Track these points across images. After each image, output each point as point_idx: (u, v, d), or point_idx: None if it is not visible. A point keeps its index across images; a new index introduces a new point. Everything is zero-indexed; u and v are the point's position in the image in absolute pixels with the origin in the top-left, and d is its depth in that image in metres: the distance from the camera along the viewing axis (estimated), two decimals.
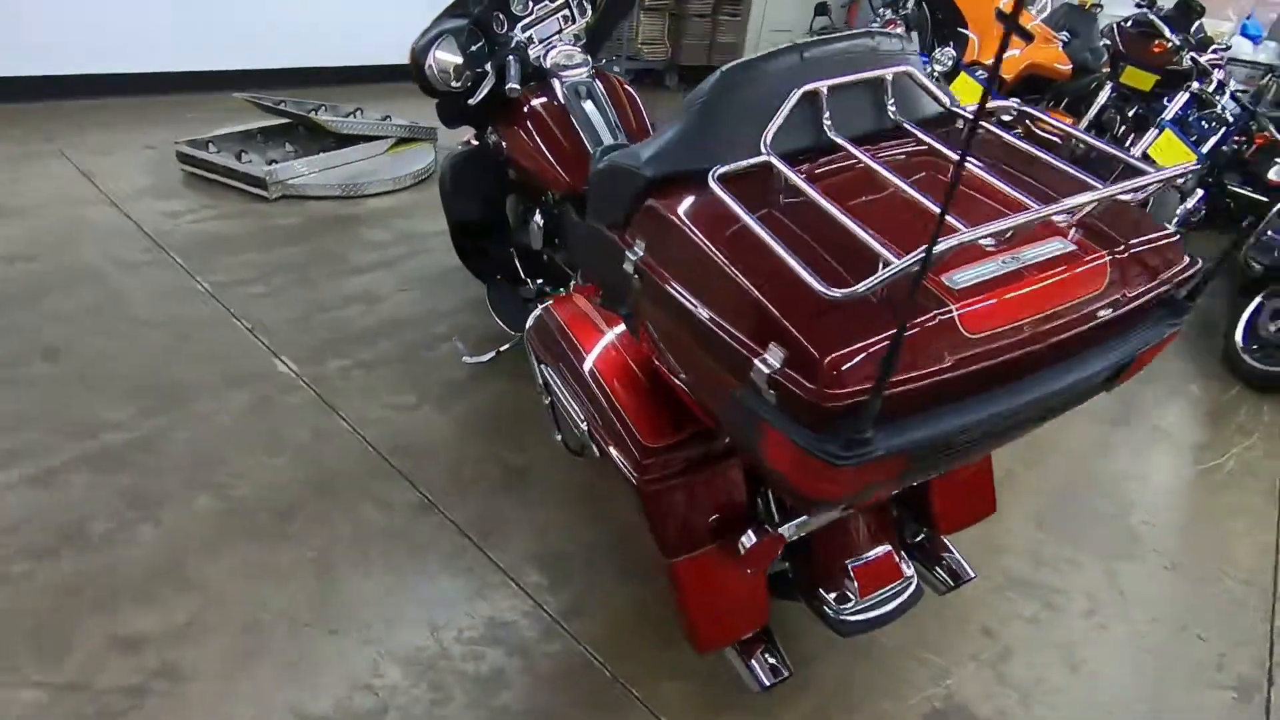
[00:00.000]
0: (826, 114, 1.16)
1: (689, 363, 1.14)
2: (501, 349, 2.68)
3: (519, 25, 2.27)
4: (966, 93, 3.95)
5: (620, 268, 1.22)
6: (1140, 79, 4.29)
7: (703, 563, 1.39)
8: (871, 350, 0.88)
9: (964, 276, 0.96)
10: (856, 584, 1.45)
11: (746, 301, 0.96)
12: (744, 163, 1.10)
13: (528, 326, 1.79)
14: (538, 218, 2.35)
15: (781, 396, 0.90)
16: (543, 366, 1.82)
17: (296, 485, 2.08)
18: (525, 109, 2.22)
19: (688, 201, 1.13)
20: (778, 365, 0.90)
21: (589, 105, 2.20)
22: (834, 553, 1.47)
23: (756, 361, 0.91)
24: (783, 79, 1.16)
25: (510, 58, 2.18)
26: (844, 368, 0.87)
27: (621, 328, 1.54)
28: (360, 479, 2.14)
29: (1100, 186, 1.02)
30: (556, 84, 2.21)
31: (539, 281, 2.58)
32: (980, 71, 4.18)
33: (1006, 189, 1.03)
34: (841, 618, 1.45)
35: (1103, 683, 1.84)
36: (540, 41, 2.28)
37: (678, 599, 1.41)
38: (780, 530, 1.35)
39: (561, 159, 2.14)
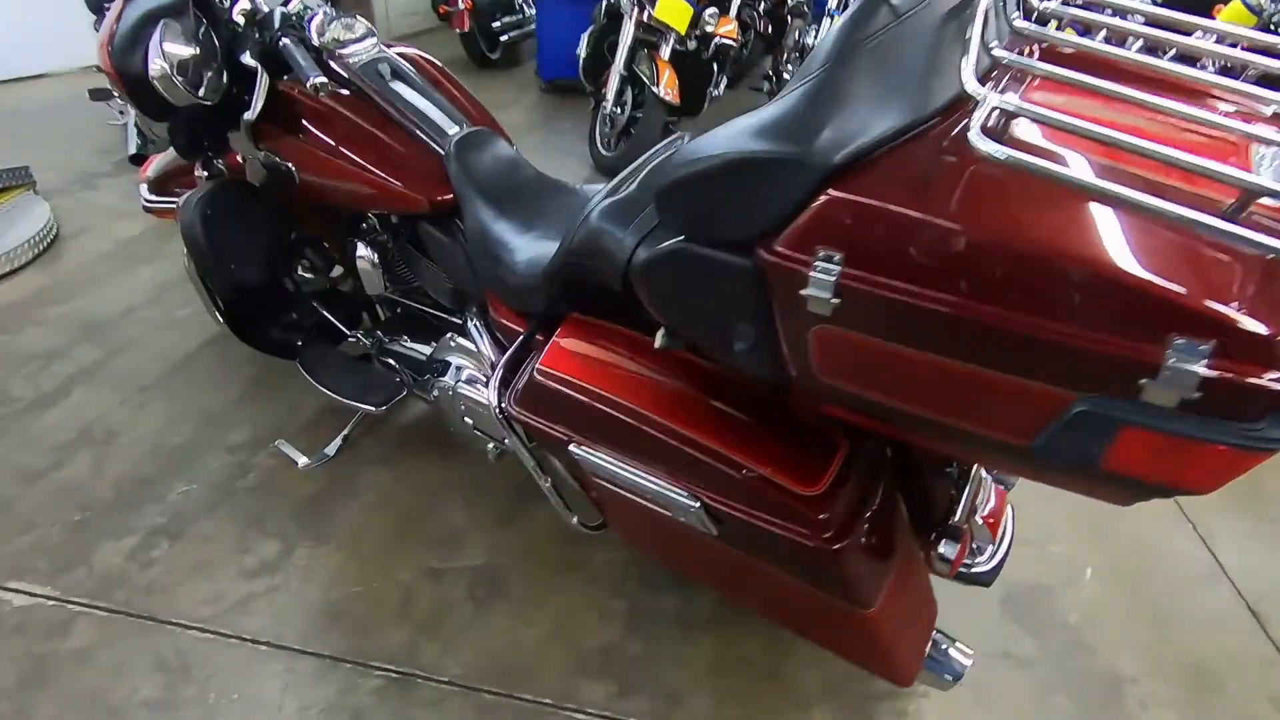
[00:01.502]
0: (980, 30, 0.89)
1: (949, 394, 0.85)
2: (348, 431, 2.03)
3: None
4: None
5: (786, 297, 0.86)
6: None
7: (893, 596, 1.16)
8: None
9: None
10: (989, 532, 1.36)
11: (1109, 288, 0.71)
12: (984, 110, 0.78)
13: (505, 403, 1.30)
14: (366, 253, 1.73)
15: (1208, 387, 0.69)
16: (537, 447, 1.36)
17: None
18: (319, 111, 1.56)
19: (914, 178, 0.80)
20: (1204, 357, 0.68)
21: (406, 90, 1.61)
22: (966, 515, 1.34)
23: (1169, 357, 0.68)
24: None
25: (285, 39, 1.47)
26: None
27: (648, 365, 1.17)
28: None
29: None
30: (343, 67, 1.58)
31: (375, 331, 1.96)
32: None
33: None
34: (984, 569, 1.36)
35: None
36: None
37: (876, 647, 1.17)
38: (964, 525, 1.18)
39: (403, 169, 1.56)
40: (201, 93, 1.48)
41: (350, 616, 1.61)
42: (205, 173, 1.81)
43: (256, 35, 1.49)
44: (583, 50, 4.07)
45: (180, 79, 1.42)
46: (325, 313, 2.00)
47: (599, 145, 3.88)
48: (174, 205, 2.01)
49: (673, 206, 0.94)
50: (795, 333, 0.90)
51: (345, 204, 1.69)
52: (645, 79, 3.63)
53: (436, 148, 1.58)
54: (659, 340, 1.11)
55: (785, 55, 4.79)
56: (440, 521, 1.84)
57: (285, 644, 1.55)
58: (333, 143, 1.57)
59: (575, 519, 1.46)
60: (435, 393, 1.75)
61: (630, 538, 1.45)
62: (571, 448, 1.22)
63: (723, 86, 4.29)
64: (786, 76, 4.40)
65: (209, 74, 1.47)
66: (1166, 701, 1.53)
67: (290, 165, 1.61)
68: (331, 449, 2.01)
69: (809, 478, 1.05)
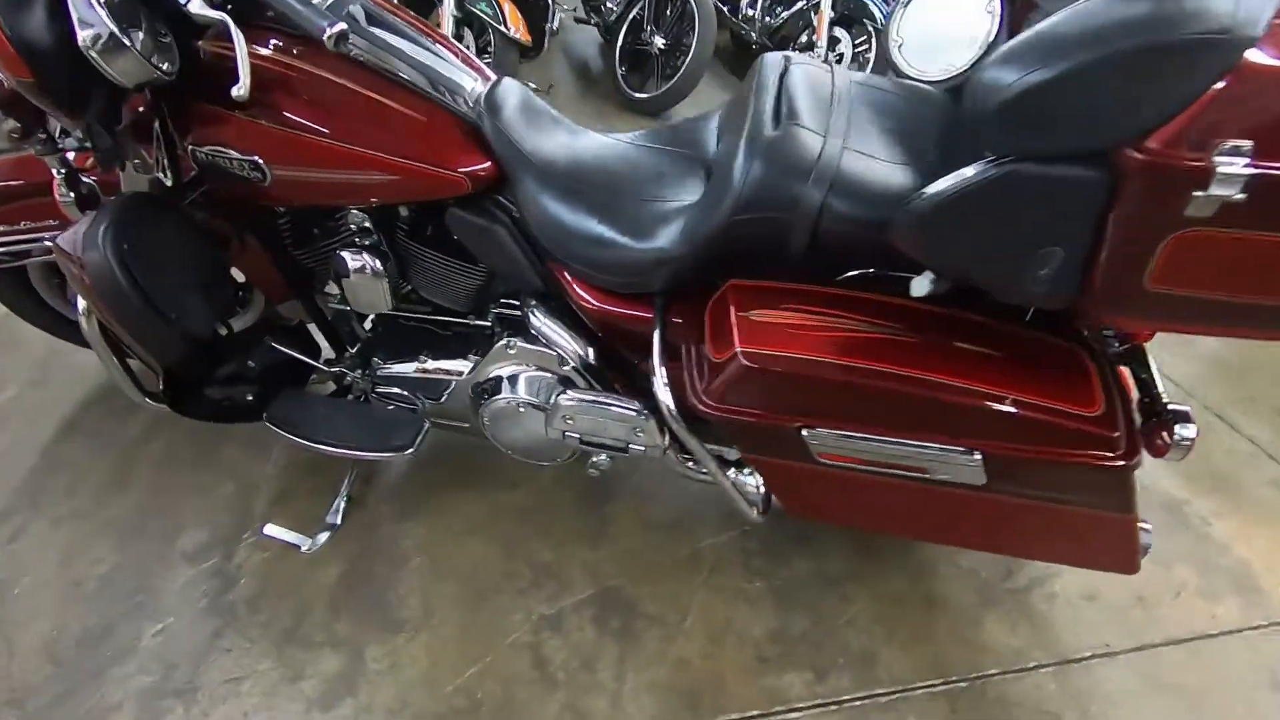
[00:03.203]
0: None
1: None
2: (348, 490, 1.63)
3: None
4: None
5: (1150, 202, 0.77)
6: None
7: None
8: None
9: None
10: None
11: None
12: None
13: (700, 402, 1.08)
14: (364, 262, 1.34)
15: None
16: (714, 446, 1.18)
17: None
18: (298, 78, 1.13)
19: None
20: None
21: (398, 40, 1.22)
22: None
23: None
24: None
25: None
26: None
27: (863, 321, 1.04)
28: None
29: None
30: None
31: (363, 359, 1.56)
32: None
33: None
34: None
35: None
36: None
37: (1128, 547, 1.15)
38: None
39: (427, 142, 1.20)
40: (165, 65, 1.00)
41: (484, 706, 1.32)
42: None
43: None
44: None
45: (135, 46, 0.93)
46: (287, 350, 1.54)
47: None
48: (26, 246, 1.42)
49: (1017, 122, 0.80)
50: (1141, 242, 0.82)
51: (341, 201, 1.27)
52: (488, 19, 3.24)
53: (459, 110, 1.24)
54: (922, 287, 0.98)
55: None
56: (518, 562, 1.56)
57: None
58: (325, 121, 1.15)
59: (755, 511, 1.29)
60: (486, 416, 1.44)
61: (815, 512, 1.31)
62: (804, 433, 1.05)
63: (558, 20, 3.97)
64: (611, 5, 4.16)
65: (144, 37, 0.98)
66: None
67: (257, 159, 1.16)
68: (335, 516, 1.60)
69: (1084, 400, 1.00)
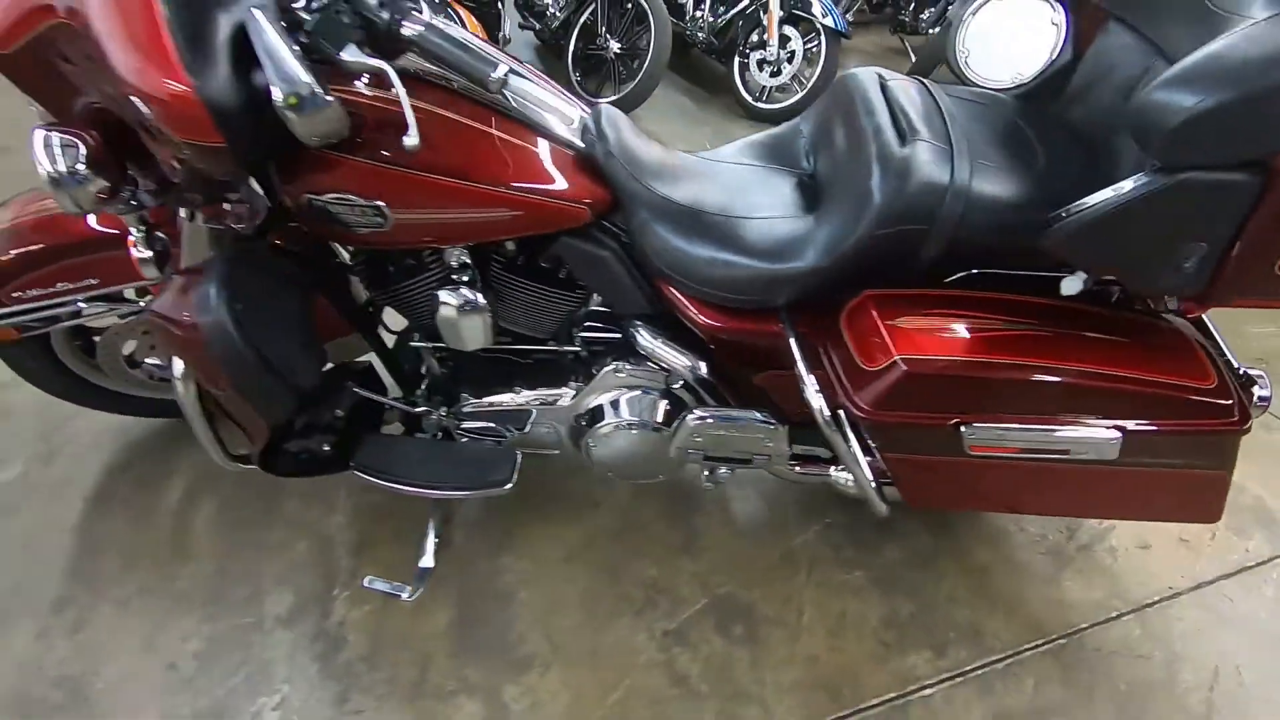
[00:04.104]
0: None
1: None
2: (436, 532, 1.59)
3: None
4: None
5: None
6: None
7: None
8: None
9: None
10: None
11: None
12: None
13: (858, 409, 1.13)
14: (468, 299, 1.31)
15: None
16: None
17: None
18: (422, 117, 1.09)
19: None
20: None
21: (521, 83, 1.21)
22: None
23: None
24: None
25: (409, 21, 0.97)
26: None
27: (998, 321, 1.12)
28: None
29: None
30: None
31: (448, 395, 1.52)
32: None
33: None
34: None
35: None
36: None
37: (1221, 500, 1.26)
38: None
39: (548, 173, 1.20)
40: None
41: None
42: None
43: (385, 16, 0.96)
44: None
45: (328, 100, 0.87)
46: (371, 395, 1.48)
47: None
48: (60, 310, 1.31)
49: (1193, 138, 0.88)
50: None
51: (459, 240, 1.24)
52: None
53: (569, 139, 1.23)
54: (1074, 286, 1.06)
55: None
56: (626, 583, 1.57)
57: None
58: (452, 160, 1.12)
59: (884, 505, 1.35)
60: (593, 441, 1.45)
61: (941, 501, 1.39)
62: (963, 429, 1.12)
63: (508, 28, 3.91)
64: (555, 11, 4.13)
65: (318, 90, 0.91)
66: None
67: (380, 203, 1.12)
68: (426, 560, 1.55)
69: (1200, 374, 1.12)
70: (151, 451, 1.80)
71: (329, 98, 0.92)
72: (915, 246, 1.12)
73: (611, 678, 1.40)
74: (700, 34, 4.18)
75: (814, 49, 3.80)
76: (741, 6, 3.99)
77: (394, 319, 1.50)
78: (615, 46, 3.87)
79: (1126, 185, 0.94)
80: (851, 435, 1.22)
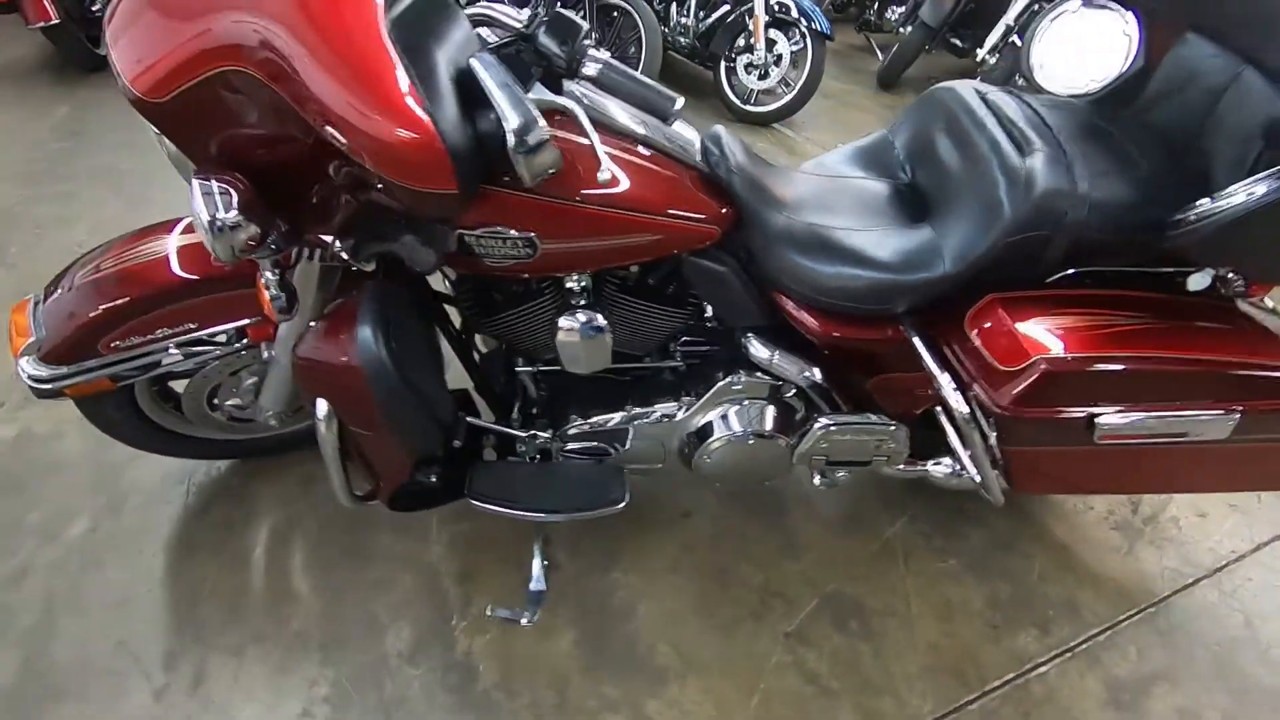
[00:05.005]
0: None
1: None
2: (542, 556, 1.59)
3: None
4: None
5: None
6: None
7: None
8: None
9: None
10: None
11: None
12: None
13: (1003, 406, 1.18)
14: (594, 322, 1.32)
15: None
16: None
17: None
18: (575, 146, 1.09)
19: None
20: None
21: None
22: None
23: None
24: None
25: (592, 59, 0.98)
26: None
27: (1119, 317, 1.20)
28: None
29: None
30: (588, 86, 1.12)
31: (556, 417, 1.53)
32: None
33: None
34: None
35: None
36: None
37: None
38: None
39: (679, 195, 1.22)
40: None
41: None
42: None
43: (564, 54, 0.96)
44: None
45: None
46: (477, 421, 1.48)
47: None
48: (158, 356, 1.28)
49: None
50: None
51: (597, 266, 1.25)
52: None
53: (693, 160, 1.26)
54: (1201, 282, 1.15)
55: None
56: (737, 589, 1.60)
57: None
58: (599, 189, 1.13)
59: (1001, 495, 1.41)
60: (707, 454, 1.48)
61: (1053, 487, 1.47)
62: (1100, 420, 1.19)
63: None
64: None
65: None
66: None
67: (532, 235, 1.12)
68: (537, 583, 1.56)
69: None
70: (224, 493, 1.75)
71: (551, 137, 0.93)
72: (1040, 251, 1.19)
73: (748, 682, 1.43)
74: (683, 39, 4.23)
75: (798, 51, 3.89)
76: (723, 12, 4.05)
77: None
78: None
79: (1260, 189, 1.02)
80: (988, 430, 1.28)
